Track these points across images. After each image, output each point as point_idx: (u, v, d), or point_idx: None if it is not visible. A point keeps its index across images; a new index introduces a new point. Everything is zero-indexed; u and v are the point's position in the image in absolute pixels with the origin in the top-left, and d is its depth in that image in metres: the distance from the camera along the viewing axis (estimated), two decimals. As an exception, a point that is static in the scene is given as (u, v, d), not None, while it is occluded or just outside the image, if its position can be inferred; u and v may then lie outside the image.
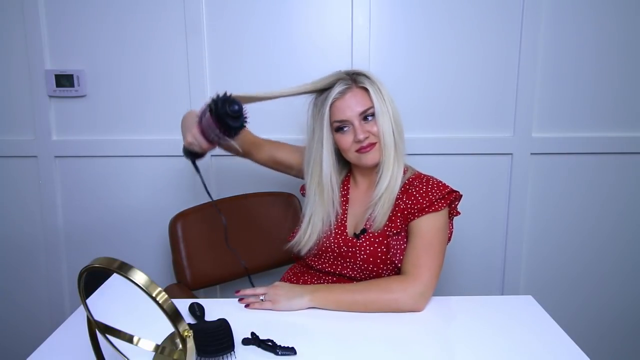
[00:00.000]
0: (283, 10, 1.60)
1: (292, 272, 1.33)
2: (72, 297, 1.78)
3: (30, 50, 1.62)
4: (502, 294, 1.77)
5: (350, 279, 1.21)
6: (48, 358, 0.89)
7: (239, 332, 0.92)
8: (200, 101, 1.63)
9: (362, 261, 1.17)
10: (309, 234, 1.22)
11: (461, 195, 1.20)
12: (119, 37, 1.62)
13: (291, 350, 0.89)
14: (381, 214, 1.17)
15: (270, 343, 0.90)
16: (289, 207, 1.60)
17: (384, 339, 0.95)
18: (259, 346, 0.90)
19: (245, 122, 1.05)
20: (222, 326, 0.92)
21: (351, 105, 1.15)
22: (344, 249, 1.19)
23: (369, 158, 1.17)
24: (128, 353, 0.74)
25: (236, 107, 1.02)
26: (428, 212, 1.14)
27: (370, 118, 1.16)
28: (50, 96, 1.65)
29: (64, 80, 1.63)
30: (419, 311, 1.06)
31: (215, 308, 1.05)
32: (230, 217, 1.43)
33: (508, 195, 1.71)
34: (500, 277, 1.78)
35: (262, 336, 0.92)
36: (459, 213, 1.22)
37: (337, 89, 1.15)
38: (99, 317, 0.74)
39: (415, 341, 0.95)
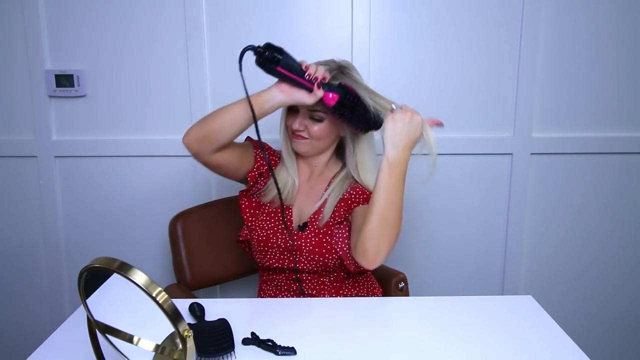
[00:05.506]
0: (283, 11, 1.60)
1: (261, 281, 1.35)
2: (72, 297, 1.78)
3: (30, 50, 1.62)
4: (502, 294, 1.77)
5: (300, 272, 1.22)
6: (48, 358, 0.89)
7: (239, 332, 0.92)
8: (200, 101, 1.64)
9: (309, 252, 1.18)
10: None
11: None
12: (119, 37, 1.62)
13: (291, 350, 0.88)
14: (328, 213, 1.19)
15: (270, 343, 0.90)
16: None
17: (384, 339, 0.95)
18: (259, 346, 0.90)
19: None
20: (222, 326, 0.92)
21: None
22: (289, 243, 1.20)
23: (295, 146, 1.21)
24: (128, 353, 0.74)
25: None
26: None
27: (317, 118, 1.17)
28: (50, 96, 1.65)
29: (64, 80, 1.63)
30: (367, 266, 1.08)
31: (215, 308, 1.04)
32: (230, 216, 1.43)
33: (508, 195, 1.71)
34: (500, 277, 1.78)
35: (262, 336, 0.92)
36: None
37: None
38: (99, 317, 0.74)
39: (415, 341, 0.95)
